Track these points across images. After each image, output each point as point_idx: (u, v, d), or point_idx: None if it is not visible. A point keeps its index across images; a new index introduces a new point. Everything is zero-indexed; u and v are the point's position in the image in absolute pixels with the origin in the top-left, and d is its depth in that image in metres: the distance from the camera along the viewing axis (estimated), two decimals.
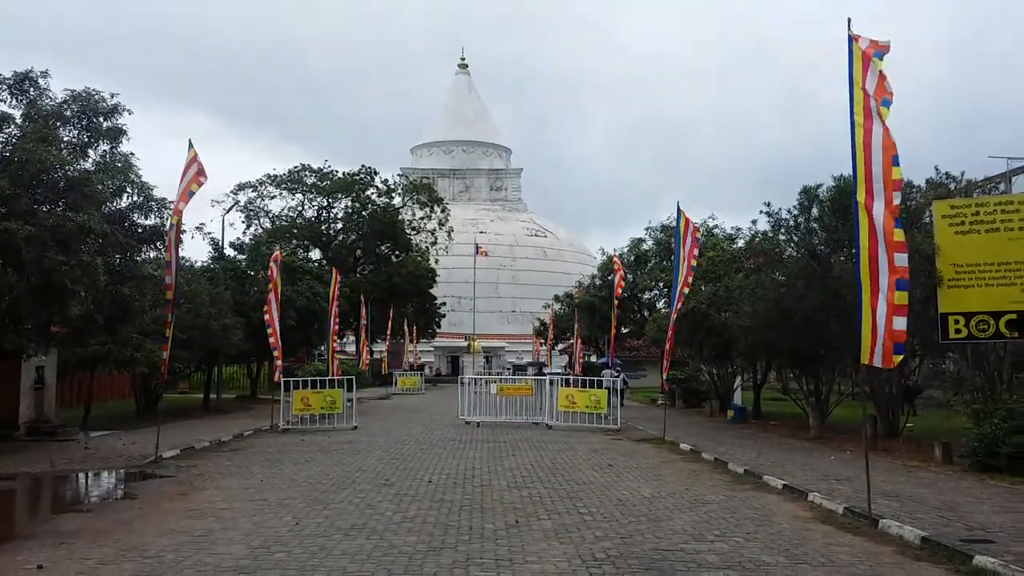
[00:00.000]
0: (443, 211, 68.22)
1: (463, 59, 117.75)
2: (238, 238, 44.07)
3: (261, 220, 61.67)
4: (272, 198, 62.32)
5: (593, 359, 54.73)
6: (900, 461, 15.59)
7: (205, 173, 15.40)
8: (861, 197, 9.98)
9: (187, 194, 15.49)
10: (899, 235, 9.71)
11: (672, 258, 27.44)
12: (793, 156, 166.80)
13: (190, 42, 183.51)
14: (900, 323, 9.52)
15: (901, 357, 9.83)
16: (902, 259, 9.72)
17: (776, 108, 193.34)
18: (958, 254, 15.57)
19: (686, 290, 21.53)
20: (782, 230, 22.01)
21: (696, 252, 21.59)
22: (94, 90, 17.46)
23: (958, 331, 15.35)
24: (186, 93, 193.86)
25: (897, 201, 9.76)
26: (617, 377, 27.32)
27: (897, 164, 9.81)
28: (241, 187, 61.35)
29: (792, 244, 22.03)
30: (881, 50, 10.07)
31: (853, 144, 10.15)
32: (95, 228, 15.05)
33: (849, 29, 10.24)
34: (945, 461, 15.22)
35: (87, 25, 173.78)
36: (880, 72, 9.97)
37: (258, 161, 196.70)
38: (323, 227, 63.01)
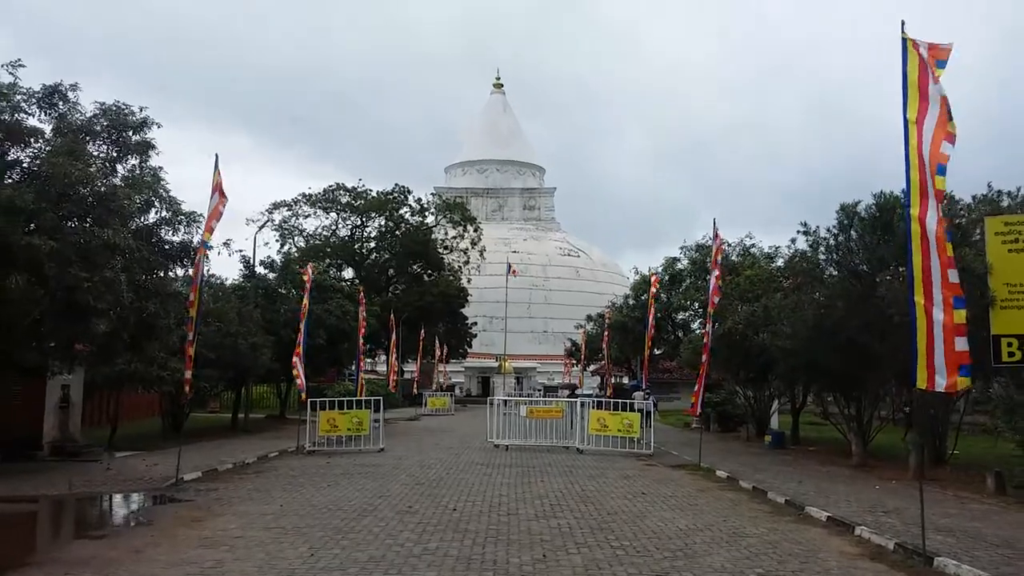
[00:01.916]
0: (476, 230, 68.10)
1: (498, 78, 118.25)
2: (268, 256, 44.03)
3: (295, 239, 61.94)
4: (306, 217, 62.72)
5: (624, 380, 53.87)
6: (950, 491, 14.79)
7: (225, 195, 15.24)
8: (915, 210, 9.36)
9: (217, 214, 15.35)
10: (950, 249, 9.11)
11: (707, 277, 26.91)
12: (829, 173, 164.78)
13: (225, 60, 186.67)
14: (962, 343, 8.88)
15: (968, 380, 9.14)
16: (955, 275, 9.12)
17: (811, 123, 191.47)
18: (1012, 273, 14.82)
19: (711, 310, 21.04)
20: (821, 249, 21.32)
21: (718, 273, 21.17)
22: (123, 104, 17.34)
23: (1011, 354, 14.58)
24: (221, 111, 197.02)
25: (942, 214, 9.12)
26: (647, 400, 26.70)
27: (942, 174, 9.22)
28: (276, 206, 61.84)
29: (832, 263, 21.32)
30: (941, 57, 9.46)
31: (907, 154, 9.54)
32: (120, 244, 14.80)
33: (903, 32, 9.64)
34: (998, 492, 14.44)
35: (123, 42, 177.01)
36: (938, 78, 9.37)
37: (292, 177, 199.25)
38: (356, 246, 63.09)
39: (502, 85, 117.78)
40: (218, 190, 15.24)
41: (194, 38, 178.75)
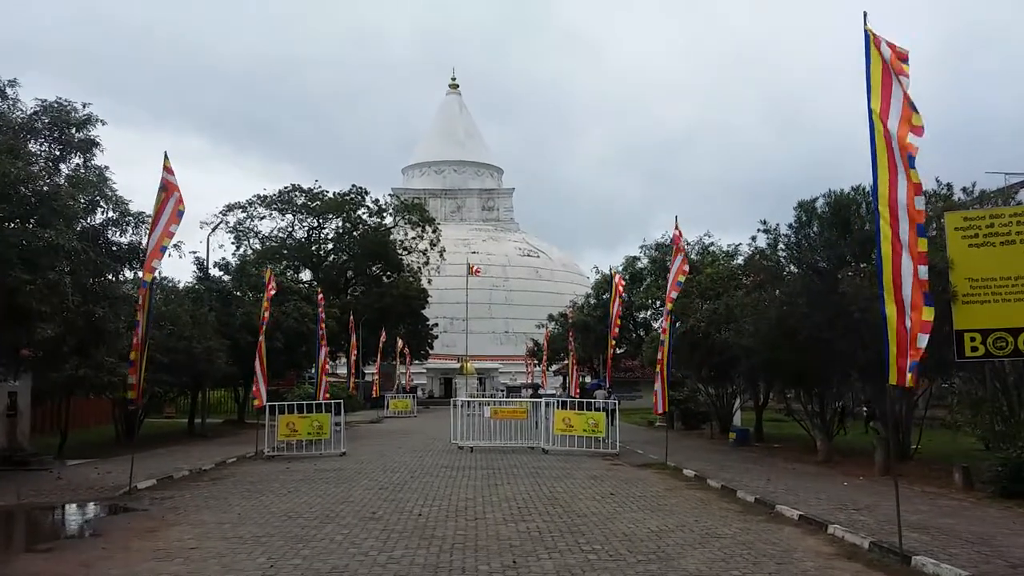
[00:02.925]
0: (435, 231, 67.65)
1: (454, 79, 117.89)
2: (223, 258, 43.08)
3: (251, 241, 60.89)
4: (262, 219, 61.70)
5: (587, 379, 53.79)
6: (918, 487, 14.77)
7: (179, 195, 14.14)
8: (884, 206, 9.23)
9: (159, 249, 14.08)
10: (923, 244, 8.97)
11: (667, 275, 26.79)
12: (785, 173, 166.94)
13: (183, 62, 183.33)
14: (923, 340, 8.76)
15: (911, 376, 9.02)
16: (924, 271, 9.00)
17: (767, 125, 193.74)
18: (973, 268, 14.81)
19: (669, 305, 20.92)
20: (781, 246, 21.34)
21: (686, 267, 20.94)
22: (65, 100, 16.69)
23: (974, 349, 14.57)
24: (179, 113, 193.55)
25: (920, 206, 8.99)
26: (608, 398, 26.57)
27: (913, 167, 9.10)
28: (230, 207, 60.66)
29: (792, 260, 21.34)
30: (902, 58, 9.35)
31: (873, 147, 9.42)
32: (64, 245, 14.18)
33: (866, 24, 9.53)
34: (966, 487, 14.43)
35: (79, 43, 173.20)
36: (902, 73, 9.25)
37: (250, 180, 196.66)
38: (313, 248, 62.28)
39: (458, 86, 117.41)
40: (170, 192, 14.13)
41: (156, 41, 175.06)
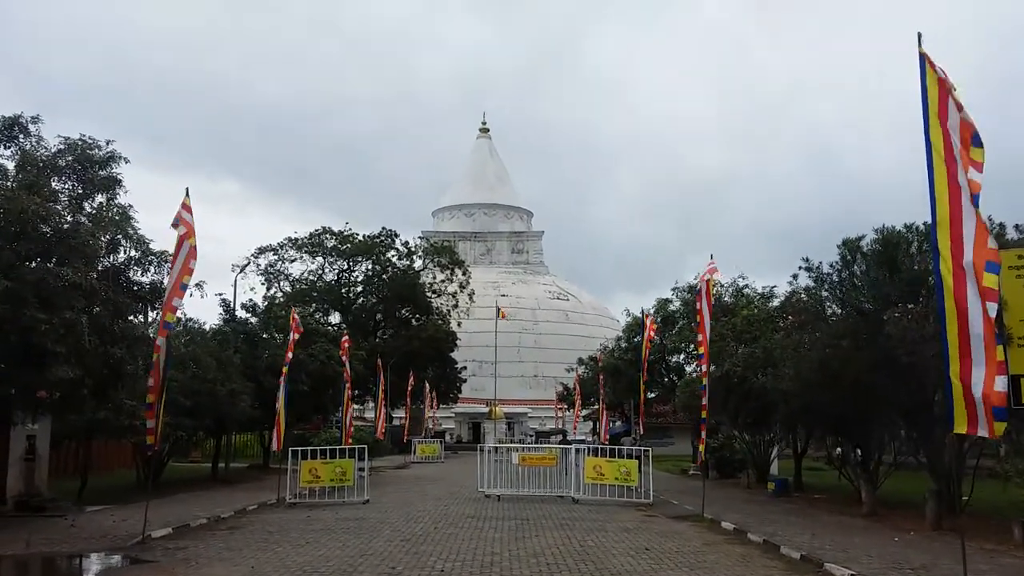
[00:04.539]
0: (464, 274, 67.36)
1: (484, 123, 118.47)
2: (250, 299, 42.82)
3: (281, 283, 60.96)
4: (292, 261, 61.84)
5: (618, 424, 52.69)
6: (975, 543, 13.75)
7: (193, 237, 14.00)
8: (944, 244, 8.54)
9: (179, 287, 14.22)
10: (991, 281, 8.26)
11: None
12: (819, 217, 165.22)
13: (216, 106, 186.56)
14: (1001, 383, 8.01)
15: (1004, 424, 8.22)
16: (994, 309, 8.28)
17: (802, 169, 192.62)
18: None
19: (701, 350, 20.15)
20: (824, 285, 20.54)
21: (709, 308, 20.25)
22: (89, 137, 16.48)
23: None
24: (214, 159, 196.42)
25: (992, 244, 8.28)
26: (634, 445, 25.75)
27: (976, 205, 8.45)
28: (262, 250, 60.87)
29: (836, 300, 20.55)
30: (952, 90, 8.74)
31: (931, 181, 8.76)
32: (82, 284, 13.81)
33: (920, 46, 8.91)
34: None
35: (114, 87, 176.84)
36: (958, 101, 8.61)
37: (283, 225, 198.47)
38: (343, 290, 62.19)
39: (488, 130, 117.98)
40: (187, 234, 13.94)
41: (191, 87, 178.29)
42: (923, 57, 8.90)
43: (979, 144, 8.57)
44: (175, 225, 13.65)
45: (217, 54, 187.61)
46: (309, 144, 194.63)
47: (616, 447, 25.17)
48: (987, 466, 21.34)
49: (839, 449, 25.51)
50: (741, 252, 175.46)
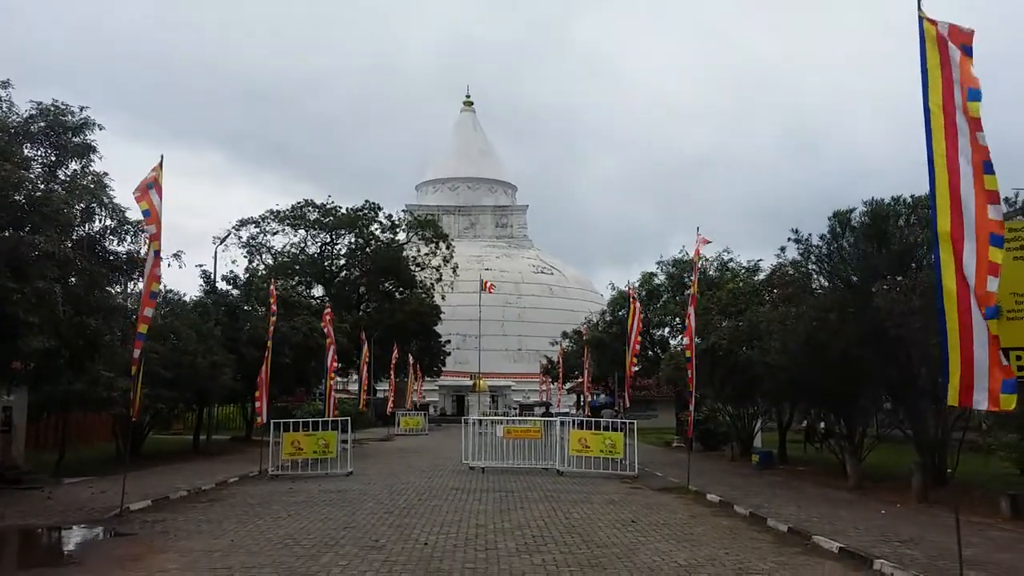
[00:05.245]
0: (448, 247, 66.98)
1: (468, 96, 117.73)
2: (231, 271, 42.27)
3: (263, 256, 60.38)
4: (275, 234, 61.27)
5: (601, 397, 52.73)
6: (963, 516, 13.65)
7: (159, 245, 13.62)
8: (944, 220, 8.31)
9: (149, 295, 13.90)
10: (995, 255, 8.05)
11: (685, 292, 25.90)
12: (803, 196, 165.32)
13: (201, 79, 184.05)
14: (1003, 357, 7.85)
15: (1014, 397, 8.04)
16: (994, 284, 8.10)
17: (785, 148, 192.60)
18: (1018, 282, 13.84)
19: (688, 322, 20.13)
20: (812, 258, 20.37)
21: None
22: (62, 103, 15.93)
23: (1020, 368, 13.56)
24: (199, 131, 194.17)
25: (993, 215, 8.03)
26: (615, 418, 25.66)
27: (991, 172, 8.15)
28: (243, 223, 60.19)
29: (824, 273, 20.40)
30: (965, 42, 8.38)
31: (930, 156, 8.50)
32: (55, 253, 13.42)
33: (920, 10, 8.61)
34: (1014, 515, 13.42)
35: (98, 61, 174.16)
36: (963, 63, 8.29)
37: (266, 196, 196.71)
38: (326, 263, 61.73)
39: (472, 103, 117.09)
40: (154, 236, 13.53)
41: (174, 59, 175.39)
42: (921, 19, 8.62)
43: (976, 98, 8.24)
44: (138, 197, 13.07)
45: (203, 28, 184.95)
46: (293, 117, 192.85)
47: (598, 419, 25.08)
48: (970, 439, 21.41)
49: (822, 423, 25.55)
50: (725, 229, 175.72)
